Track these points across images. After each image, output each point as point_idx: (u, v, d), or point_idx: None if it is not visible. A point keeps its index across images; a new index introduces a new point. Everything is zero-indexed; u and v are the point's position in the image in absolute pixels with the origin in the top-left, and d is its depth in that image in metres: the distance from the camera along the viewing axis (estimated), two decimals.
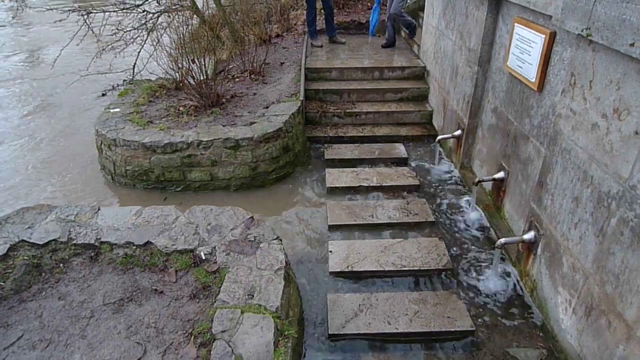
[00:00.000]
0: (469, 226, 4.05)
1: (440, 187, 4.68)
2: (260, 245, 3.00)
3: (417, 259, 3.56)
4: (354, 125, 5.83)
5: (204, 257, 2.94)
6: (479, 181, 4.02)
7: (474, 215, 4.15)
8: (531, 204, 3.15)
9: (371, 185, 4.62)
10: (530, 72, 3.25)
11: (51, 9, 7.49)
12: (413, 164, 5.13)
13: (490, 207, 4.10)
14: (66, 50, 7.05)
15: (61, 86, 7.98)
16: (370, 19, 7.37)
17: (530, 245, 3.17)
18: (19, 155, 5.78)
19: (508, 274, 3.47)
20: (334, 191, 4.61)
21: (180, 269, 2.91)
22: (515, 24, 3.44)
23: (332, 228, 4.05)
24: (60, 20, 6.77)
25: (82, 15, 6.98)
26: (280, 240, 3.09)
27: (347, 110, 5.83)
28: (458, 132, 4.69)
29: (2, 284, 2.84)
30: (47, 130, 6.44)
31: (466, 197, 4.45)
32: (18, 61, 9.93)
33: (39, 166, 5.48)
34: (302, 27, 8.32)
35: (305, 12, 7.42)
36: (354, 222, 4.06)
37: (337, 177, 4.74)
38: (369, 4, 8.91)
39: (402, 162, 5.16)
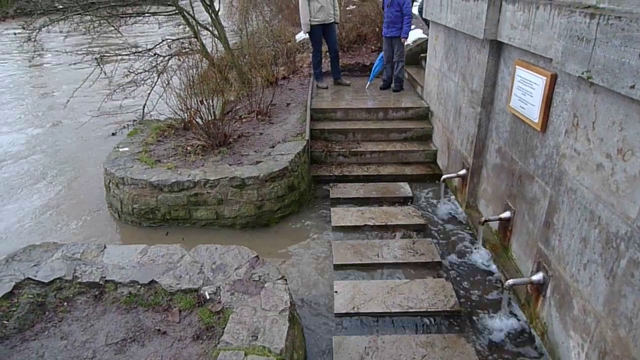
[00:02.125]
0: (476, 266, 4.01)
1: (446, 227, 4.66)
2: (265, 285, 2.97)
3: (423, 300, 3.50)
4: (359, 164, 5.88)
5: (208, 297, 2.90)
6: (485, 221, 4.00)
7: (480, 255, 4.11)
8: (539, 244, 3.12)
9: (376, 224, 4.61)
10: (533, 112, 3.30)
11: (67, 52, 7.79)
12: (418, 203, 5.13)
13: (497, 247, 4.07)
14: (79, 91, 7.26)
15: (73, 125, 8.16)
16: (375, 66, 7.43)
17: (539, 287, 3.12)
18: (27, 192, 5.84)
19: (517, 317, 3.39)
20: (339, 230, 4.60)
21: (184, 308, 2.87)
22: (517, 66, 3.53)
23: (338, 268, 4.02)
24: (75, 64, 6.99)
25: (96, 58, 7.23)
26: (285, 280, 3.06)
27: (352, 150, 5.90)
28: (463, 172, 4.72)
29: (5, 322, 2.81)
30: (55, 168, 6.54)
31: (472, 237, 4.42)
32: (32, 101, 10.20)
33: (47, 203, 5.53)
34: (307, 69, 8.55)
35: (311, 55, 7.64)
36: (360, 262, 4.02)
37: (342, 216, 4.74)
38: (372, 47, 9.18)
39: (407, 201, 5.16)
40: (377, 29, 9.25)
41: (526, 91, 3.38)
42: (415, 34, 8.35)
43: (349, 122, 6.40)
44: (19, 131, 8.17)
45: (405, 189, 5.32)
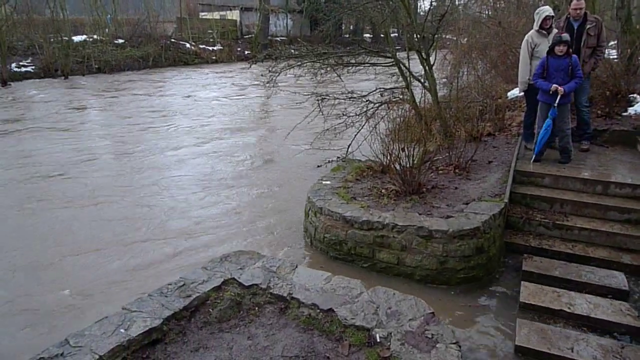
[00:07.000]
0: None
1: None
2: (437, 346, 2.86)
3: None
4: (562, 239, 5.22)
5: (378, 340, 2.94)
6: None
7: None
8: None
9: (575, 312, 3.99)
10: None
11: (295, 93, 9.10)
12: (634, 300, 4.27)
13: None
14: (300, 125, 8.39)
15: (290, 154, 9.41)
16: (541, 136, 6.02)
17: None
18: (240, 201, 7.01)
19: None
20: (527, 308, 4.13)
21: (354, 344, 2.97)
22: None
23: (519, 350, 3.60)
24: (300, 102, 8.12)
25: (317, 100, 8.24)
26: (459, 346, 2.90)
27: (557, 222, 5.28)
28: None
29: (210, 310, 3.35)
30: (267, 186, 7.69)
31: None
32: (263, 130, 12.13)
33: (254, 213, 6.51)
34: (516, 128, 8.07)
35: (523, 114, 7.22)
36: (547, 351, 3.53)
37: (533, 294, 4.25)
38: (599, 111, 8.10)
39: (620, 294, 4.33)
40: (608, 92, 8.21)
41: None
42: None
43: (557, 190, 5.77)
44: (252, 151, 9.81)
45: (619, 279, 4.49)
